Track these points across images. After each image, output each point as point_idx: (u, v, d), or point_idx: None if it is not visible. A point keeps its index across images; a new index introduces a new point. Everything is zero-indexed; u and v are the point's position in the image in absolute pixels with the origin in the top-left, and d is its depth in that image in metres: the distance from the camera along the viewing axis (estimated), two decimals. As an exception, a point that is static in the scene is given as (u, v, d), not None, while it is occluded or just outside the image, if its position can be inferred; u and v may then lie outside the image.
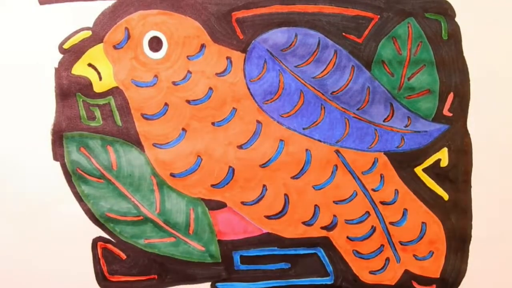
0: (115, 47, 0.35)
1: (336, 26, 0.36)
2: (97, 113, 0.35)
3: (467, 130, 0.37)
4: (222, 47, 0.35)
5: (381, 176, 0.37)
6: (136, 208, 0.35)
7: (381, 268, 0.37)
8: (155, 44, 0.35)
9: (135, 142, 0.35)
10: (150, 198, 0.35)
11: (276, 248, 0.37)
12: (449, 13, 0.37)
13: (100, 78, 0.35)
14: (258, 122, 0.36)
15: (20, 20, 0.35)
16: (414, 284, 0.38)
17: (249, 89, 0.36)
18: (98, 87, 0.35)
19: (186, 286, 0.36)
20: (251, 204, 0.36)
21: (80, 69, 0.35)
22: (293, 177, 0.36)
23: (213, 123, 0.35)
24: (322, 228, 0.37)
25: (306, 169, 0.36)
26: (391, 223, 0.37)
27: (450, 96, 0.37)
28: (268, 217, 0.36)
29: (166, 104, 0.35)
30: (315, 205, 0.36)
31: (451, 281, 0.38)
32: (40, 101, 0.35)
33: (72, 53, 0.35)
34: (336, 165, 0.36)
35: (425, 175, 0.37)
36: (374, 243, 0.37)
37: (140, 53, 0.35)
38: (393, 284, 0.38)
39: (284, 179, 0.36)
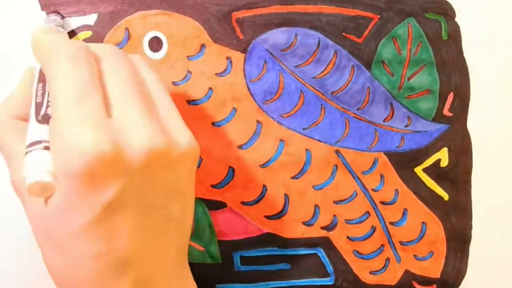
0: (115, 47, 0.35)
1: (336, 26, 0.36)
2: (97, 113, 0.35)
3: (467, 130, 0.37)
4: (222, 47, 0.35)
5: (381, 176, 0.37)
6: (136, 208, 0.35)
7: (382, 268, 0.37)
8: (155, 44, 0.35)
9: (135, 142, 0.35)
10: (150, 198, 0.35)
11: (276, 248, 0.37)
12: (449, 13, 0.37)
13: (100, 78, 0.35)
14: (258, 122, 0.36)
15: (20, 19, 0.35)
16: (415, 284, 0.38)
17: (249, 89, 0.36)
18: (98, 87, 0.35)
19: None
20: (251, 204, 0.36)
21: (80, 69, 0.35)
22: (293, 177, 0.36)
23: (213, 123, 0.35)
24: (322, 228, 0.37)
25: (306, 169, 0.36)
26: (391, 223, 0.37)
27: (450, 96, 0.37)
28: (268, 217, 0.36)
29: (166, 104, 0.35)
30: (315, 205, 0.36)
31: (451, 281, 0.38)
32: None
33: (72, 53, 0.35)
34: (336, 165, 0.36)
35: (425, 175, 0.37)
36: (374, 243, 0.37)
37: (140, 53, 0.35)
38: (393, 284, 0.38)
39: (284, 179, 0.36)
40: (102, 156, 0.21)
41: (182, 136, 0.25)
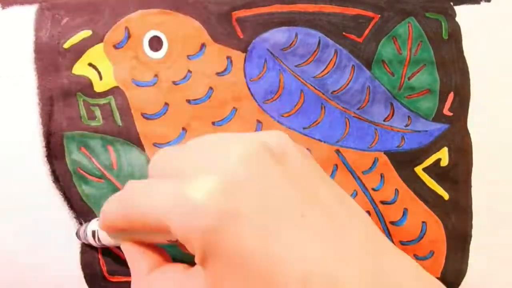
0: (115, 47, 0.35)
1: (337, 26, 0.36)
2: (97, 113, 0.35)
3: (467, 130, 0.37)
4: (222, 46, 0.35)
5: (381, 176, 0.37)
6: (136, 208, 0.35)
7: (381, 268, 0.37)
8: (156, 43, 0.35)
9: (136, 141, 0.35)
10: (150, 197, 0.35)
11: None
12: (449, 12, 0.37)
13: (101, 78, 0.35)
14: (258, 121, 0.36)
15: (20, 19, 0.35)
16: (415, 283, 0.38)
17: (249, 88, 0.36)
18: (98, 87, 0.35)
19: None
20: (252, 204, 0.36)
21: (80, 69, 0.35)
22: (294, 177, 0.36)
23: (213, 123, 0.35)
24: (323, 227, 0.37)
25: (306, 169, 0.36)
26: (391, 223, 0.37)
27: (450, 96, 0.37)
28: (269, 216, 0.36)
29: (166, 104, 0.35)
30: (316, 205, 0.36)
31: (451, 281, 0.38)
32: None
33: (72, 53, 0.35)
34: (336, 165, 0.36)
35: (425, 174, 0.37)
36: (375, 243, 0.37)
37: (140, 53, 0.35)
38: (393, 283, 0.37)
39: (284, 179, 0.36)
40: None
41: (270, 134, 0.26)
